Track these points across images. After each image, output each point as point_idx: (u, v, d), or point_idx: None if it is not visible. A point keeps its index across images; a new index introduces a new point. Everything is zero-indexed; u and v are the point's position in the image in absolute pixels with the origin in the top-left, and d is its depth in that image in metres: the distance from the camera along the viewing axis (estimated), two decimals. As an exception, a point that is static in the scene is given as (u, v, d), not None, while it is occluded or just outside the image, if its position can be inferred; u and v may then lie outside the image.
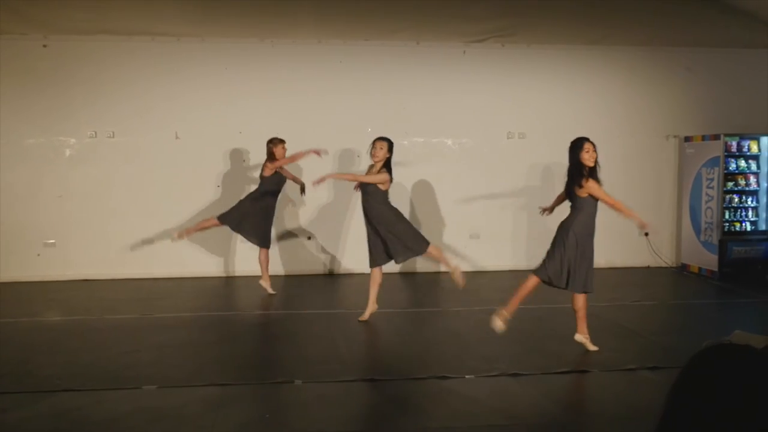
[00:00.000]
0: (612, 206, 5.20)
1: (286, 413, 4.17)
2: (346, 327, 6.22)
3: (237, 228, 7.27)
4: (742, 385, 1.27)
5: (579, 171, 5.13)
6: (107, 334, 5.98)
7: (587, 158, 5.13)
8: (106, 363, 5.13)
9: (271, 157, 7.24)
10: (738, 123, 9.14)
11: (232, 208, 7.28)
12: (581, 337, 5.39)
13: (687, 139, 9.22)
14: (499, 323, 5.29)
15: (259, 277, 7.49)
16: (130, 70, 8.52)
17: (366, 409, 4.19)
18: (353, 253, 8.70)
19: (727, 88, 9.39)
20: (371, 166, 6.07)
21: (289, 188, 7.89)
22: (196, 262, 8.68)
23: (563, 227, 5.25)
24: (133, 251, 8.59)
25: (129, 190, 8.55)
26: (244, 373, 4.88)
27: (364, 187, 6.04)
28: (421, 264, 8.80)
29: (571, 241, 5.15)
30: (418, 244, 6.12)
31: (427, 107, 9.01)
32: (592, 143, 5.21)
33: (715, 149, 8.64)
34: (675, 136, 9.48)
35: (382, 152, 5.91)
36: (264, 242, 7.38)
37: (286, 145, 7.33)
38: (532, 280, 5.34)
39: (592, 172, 5.14)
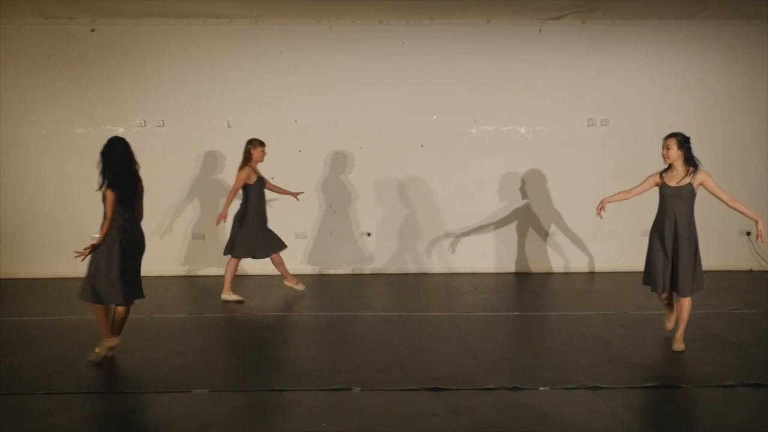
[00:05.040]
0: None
1: (344, 423, 4.17)
2: (408, 330, 6.20)
3: (254, 254, 7.33)
4: None
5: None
6: (156, 334, 6.14)
7: None
8: (154, 364, 5.26)
9: (248, 160, 7.21)
10: None
11: (237, 240, 7.22)
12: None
13: (797, 125, 8.80)
14: None
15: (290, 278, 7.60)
16: (181, 55, 8.73)
17: (428, 420, 4.15)
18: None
19: None
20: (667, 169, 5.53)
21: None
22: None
23: None
24: (183, 246, 8.81)
25: (179, 181, 8.75)
26: (298, 378, 4.91)
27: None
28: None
29: None
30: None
31: (498, 92, 8.87)
32: None
33: (831, 137, 8.19)
34: (784, 122, 9.06)
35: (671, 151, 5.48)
36: (271, 249, 7.38)
37: (266, 149, 7.28)
38: None
39: None
